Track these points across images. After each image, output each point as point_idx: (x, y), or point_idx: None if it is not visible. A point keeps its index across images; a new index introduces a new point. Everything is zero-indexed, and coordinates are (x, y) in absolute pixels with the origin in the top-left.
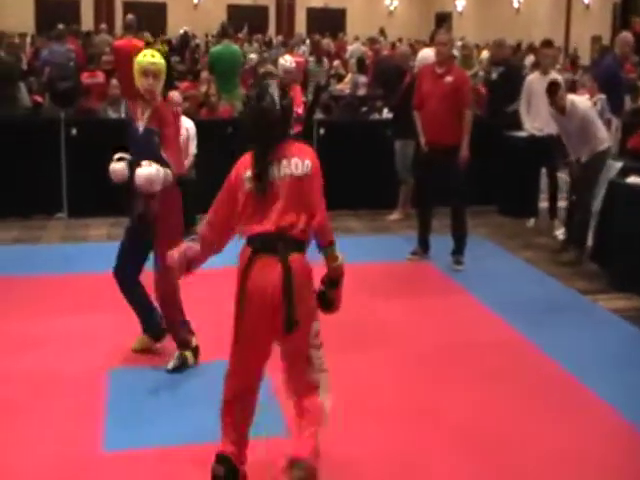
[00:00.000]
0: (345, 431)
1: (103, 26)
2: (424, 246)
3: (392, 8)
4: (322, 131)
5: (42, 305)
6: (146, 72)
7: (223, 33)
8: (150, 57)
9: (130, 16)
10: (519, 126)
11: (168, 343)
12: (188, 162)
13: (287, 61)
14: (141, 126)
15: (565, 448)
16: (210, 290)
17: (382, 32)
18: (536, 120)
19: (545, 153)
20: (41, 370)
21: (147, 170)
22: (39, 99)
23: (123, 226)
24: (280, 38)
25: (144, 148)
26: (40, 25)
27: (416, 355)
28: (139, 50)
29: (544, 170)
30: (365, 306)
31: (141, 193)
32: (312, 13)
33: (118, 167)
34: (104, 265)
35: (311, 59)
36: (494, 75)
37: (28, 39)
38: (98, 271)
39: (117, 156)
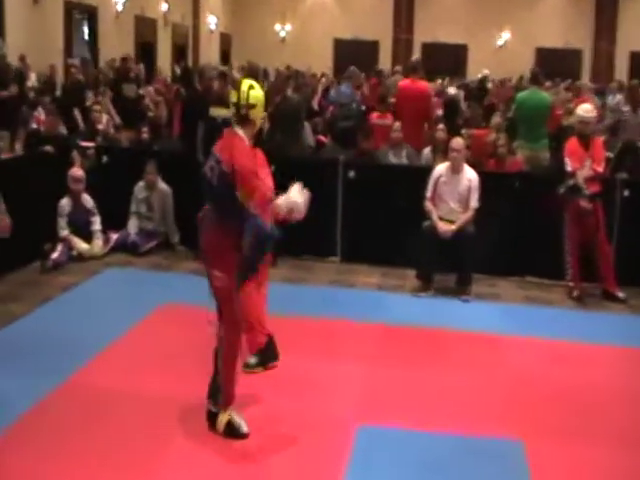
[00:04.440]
0: None
1: (397, 68)
2: None
3: None
4: (626, 193)
5: (304, 346)
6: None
7: (532, 79)
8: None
9: (415, 57)
10: None
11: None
12: (467, 216)
13: (584, 110)
14: None
15: None
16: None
17: None
18: None
19: None
20: (295, 412)
21: None
22: (323, 139)
23: (395, 276)
24: (589, 84)
25: None
26: (338, 66)
27: None
28: (421, 92)
29: None
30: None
31: None
32: (637, 57)
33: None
34: (374, 315)
35: (625, 109)
36: None
37: (323, 80)
38: (363, 319)
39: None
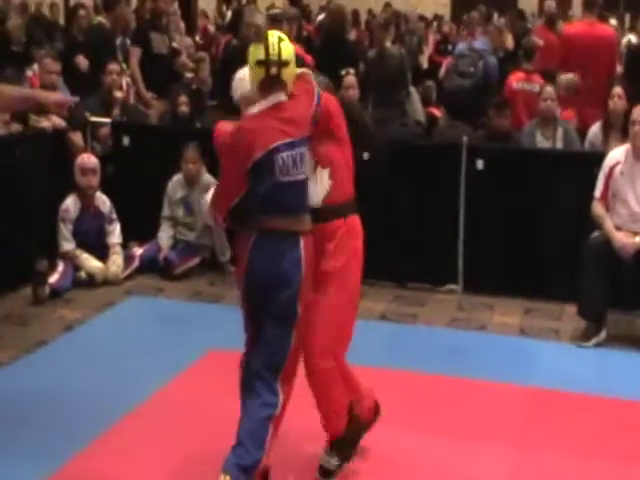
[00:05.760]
0: None
1: (550, 2)
2: None
3: None
4: None
5: (414, 417)
6: None
7: None
8: None
9: None
10: None
11: None
12: None
13: None
14: None
15: None
16: None
17: None
18: None
19: None
20: None
21: None
22: (436, 112)
23: (547, 314)
24: None
25: None
26: (457, 8)
27: None
28: (605, 41)
29: None
30: None
31: None
32: None
33: None
34: (516, 373)
35: None
36: None
37: (435, 24)
38: (500, 379)
39: None
